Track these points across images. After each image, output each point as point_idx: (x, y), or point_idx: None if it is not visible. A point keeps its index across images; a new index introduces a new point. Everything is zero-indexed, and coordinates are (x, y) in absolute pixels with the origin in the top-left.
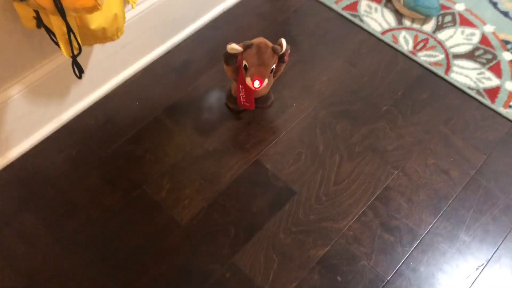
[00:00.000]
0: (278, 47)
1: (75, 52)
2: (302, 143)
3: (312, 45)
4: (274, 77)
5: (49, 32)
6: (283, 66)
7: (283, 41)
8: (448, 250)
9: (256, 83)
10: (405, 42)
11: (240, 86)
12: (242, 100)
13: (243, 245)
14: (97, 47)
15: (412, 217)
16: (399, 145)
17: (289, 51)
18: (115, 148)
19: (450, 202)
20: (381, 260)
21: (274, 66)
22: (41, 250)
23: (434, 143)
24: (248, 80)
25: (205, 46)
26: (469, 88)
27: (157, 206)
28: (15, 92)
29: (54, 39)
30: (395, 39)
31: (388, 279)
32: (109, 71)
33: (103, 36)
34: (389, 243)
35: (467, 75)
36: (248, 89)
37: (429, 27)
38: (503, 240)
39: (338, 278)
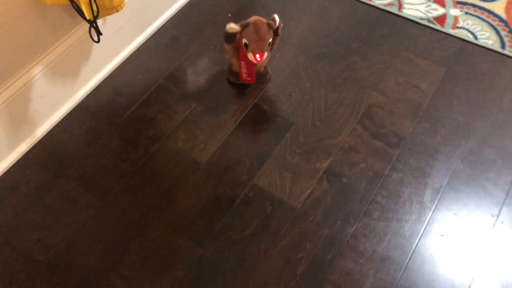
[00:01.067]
0: (272, 22)
1: (95, 15)
2: (291, 84)
3: (282, 6)
4: (270, 50)
5: (72, 1)
6: (277, 40)
7: (276, 16)
8: (430, 142)
9: (258, 57)
10: None
11: (242, 62)
12: (244, 75)
13: (258, 170)
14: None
15: (394, 124)
16: (372, 72)
17: (281, 25)
18: (129, 114)
19: (424, 107)
20: (377, 161)
21: (271, 40)
22: (83, 206)
23: (401, 65)
24: (250, 55)
25: (187, 21)
26: (421, 19)
27: (177, 153)
28: (37, 71)
29: (75, 6)
30: None
31: (385, 173)
32: (111, 51)
33: (110, 6)
34: (380, 147)
35: (417, 9)
36: (250, 64)
37: None
38: (469, 127)
39: (344, 180)
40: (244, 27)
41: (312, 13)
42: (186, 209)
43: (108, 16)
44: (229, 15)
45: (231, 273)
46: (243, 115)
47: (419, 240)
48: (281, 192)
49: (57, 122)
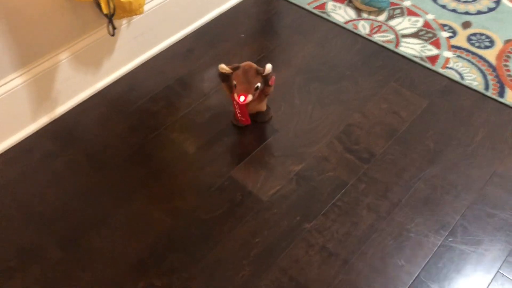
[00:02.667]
0: (261, 68)
1: (111, 11)
2: (282, 99)
3: (290, 34)
4: (265, 96)
5: None
6: (270, 89)
7: (269, 65)
8: (398, 163)
9: (241, 98)
10: (363, 28)
11: (234, 103)
12: (238, 115)
13: (237, 165)
14: (123, 31)
15: (369, 142)
16: (358, 97)
17: (274, 77)
18: (137, 106)
19: (400, 132)
20: (345, 171)
21: (259, 84)
22: (82, 175)
23: (387, 94)
24: (235, 96)
25: (205, 38)
26: (414, 56)
27: (171, 143)
28: (64, 57)
29: (96, 1)
30: (355, 27)
31: (350, 182)
32: (131, 53)
33: (129, 9)
34: (351, 160)
35: (413, 48)
36: (240, 106)
37: (382, 17)
38: (439, 154)
39: (311, 183)
40: (234, 69)
41: (315, 42)
42: (168, 188)
43: (132, 20)
44: (242, 35)
45: (193, 247)
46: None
47: (367, 244)
48: (253, 185)
49: (76, 104)
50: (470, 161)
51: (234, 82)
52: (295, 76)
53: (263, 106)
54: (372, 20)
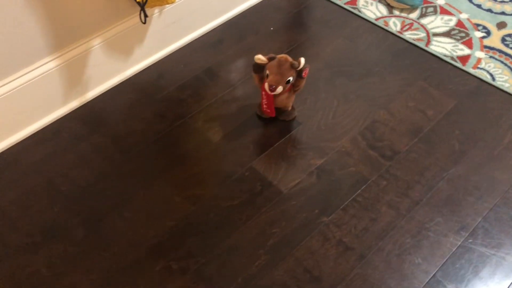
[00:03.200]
0: (295, 62)
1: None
2: (308, 92)
3: (319, 28)
4: (295, 91)
5: None
6: (302, 82)
7: (302, 59)
8: (422, 161)
9: (271, 88)
10: (394, 25)
11: (263, 93)
12: (264, 106)
13: (259, 156)
14: (155, 20)
15: (393, 140)
16: (385, 94)
17: (307, 69)
18: (164, 94)
19: (425, 131)
20: (367, 168)
21: (291, 78)
22: (107, 158)
23: (414, 92)
24: (266, 85)
25: (235, 30)
26: (445, 55)
27: (195, 131)
28: (96, 43)
29: None
30: (386, 24)
31: (372, 179)
32: (162, 41)
33: None
34: (373, 156)
35: (443, 47)
36: (268, 96)
37: (414, 15)
38: (464, 155)
39: (332, 178)
40: (270, 59)
41: (345, 37)
42: (190, 175)
43: (164, 9)
44: (271, 28)
45: (211, 233)
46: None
47: (385, 240)
48: (273, 177)
49: (105, 90)
50: (496, 163)
51: (267, 72)
52: (322, 70)
53: (289, 104)
54: (403, 17)
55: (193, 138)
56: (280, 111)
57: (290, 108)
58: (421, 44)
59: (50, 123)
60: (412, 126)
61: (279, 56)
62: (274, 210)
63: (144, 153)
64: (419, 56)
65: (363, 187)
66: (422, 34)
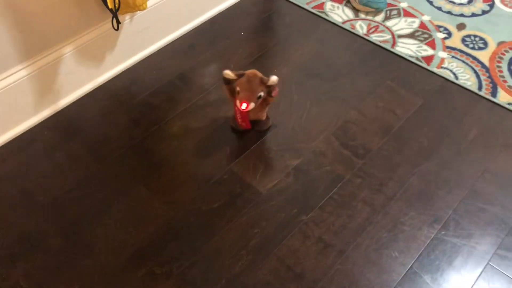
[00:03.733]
0: (265, 78)
1: (116, 6)
2: (281, 95)
3: (289, 32)
4: (267, 105)
5: None
6: (272, 99)
7: (274, 77)
8: (393, 158)
9: (244, 105)
10: (360, 28)
11: (236, 108)
12: (239, 120)
13: (236, 158)
14: (126, 26)
15: (365, 139)
16: (356, 94)
17: (277, 88)
18: (138, 100)
19: (395, 129)
20: (341, 166)
21: (262, 93)
22: (84, 164)
23: (383, 92)
24: (237, 103)
25: (206, 35)
26: (410, 56)
27: (171, 136)
28: (68, 50)
29: None
30: (353, 27)
31: (347, 177)
32: (134, 47)
33: (133, 4)
34: (347, 155)
35: (409, 48)
36: (242, 111)
37: (379, 18)
38: (433, 151)
39: (308, 177)
40: (239, 76)
41: (315, 40)
42: (168, 180)
43: (135, 15)
44: (242, 33)
45: (193, 236)
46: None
47: (362, 236)
48: (252, 178)
49: (78, 98)
50: (463, 158)
51: (238, 89)
52: (294, 73)
53: (263, 115)
54: (369, 20)
55: (169, 143)
56: (254, 122)
57: (264, 118)
58: (387, 46)
59: (23, 132)
60: (383, 125)
61: (248, 72)
62: (254, 211)
63: (120, 160)
64: (386, 58)
65: (338, 185)
66: (388, 36)
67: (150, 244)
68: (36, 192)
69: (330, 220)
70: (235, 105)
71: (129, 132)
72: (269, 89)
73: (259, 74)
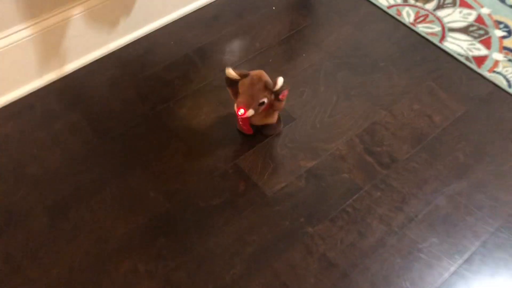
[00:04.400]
0: (270, 82)
1: None
2: (306, 84)
3: (325, 12)
4: (274, 110)
5: None
6: (281, 104)
7: (279, 79)
8: (422, 173)
9: (240, 111)
10: (407, 15)
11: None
12: (240, 122)
13: (245, 152)
14: None
15: (392, 146)
16: (390, 93)
17: (286, 91)
18: (150, 73)
19: (429, 138)
20: (361, 175)
21: (265, 100)
22: (82, 139)
23: (421, 93)
24: (235, 106)
25: (233, 7)
26: (459, 54)
27: (179, 118)
28: (76, 12)
29: None
30: (399, 13)
31: (365, 188)
32: (153, 14)
33: None
34: (369, 163)
35: (459, 45)
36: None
37: (431, 5)
38: (468, 169)
39: (322, 183)
40: (242, 76)
41: (353, 25)
42: (168, 168)
43: None
44: (273, 8)
45: (185, 234)
46: None
47: (372, 259)
48: (259, 177)
49: (85, 64)
50: (502, 181)
51: (239, 90)
52: (324, 60)
53: (272, 119)
54: (418, 7)
55: (176, 125)
56: (261, 126)
57: (275, 121)
58: (435, 40)
59: (23, 96)
60: (415, 132)
61: (253, 73)
62: (256, 215)
63: (121, 138)
64: (431, 53)
65: (354, 197)
66: (437, 28)
67: (138, 237)
68: (29, 163)
69: (338, 236)
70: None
71: (135, 108)
72: (277, 92)
73: (265, 77)
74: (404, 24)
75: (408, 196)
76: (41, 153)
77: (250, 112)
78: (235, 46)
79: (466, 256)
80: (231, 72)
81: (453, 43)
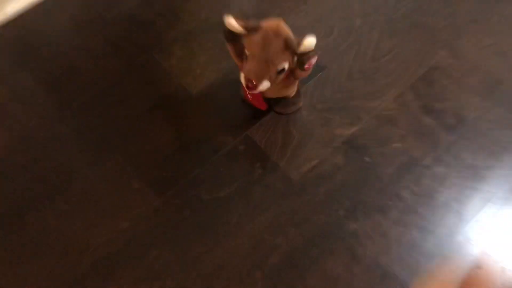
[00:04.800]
0: (293, 39)
1: None
2: (336, 14)
3: None
4: (295, 79)
5: None
6: (305, 73)
7: (308, 40)
8: (499, 136)
9: (249, 85)
10: None
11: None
12: (248, 95)
13: (259, 120)
14: None
15: (458, 99)
16: (450, 22)
17: (314, 58)
18: (123, 10)
19: (504, 86)
20: (418, 144)
21: (286, 65)
22: (37, 112)
23: (493, 23)
24: (241, 77)
25: None
26: None
27: (166, 73)
28: None
29: None
30: None
31: (425, 163)
32: None
33: None
34: (429, 126)
35: None
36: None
37: None
38: None
39: (366, 158)
40: (250, 30)
41: None
42: (155, 146)
43: None
44: None
45: (184, 240)
46: None
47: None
48: (280, 155)
49: (35, 3)
50: None
51: (247, 52)
52: None
53: (291, 90)
54: None
55: (162, 85)
56: (276, 99)
57: (292, 94)
58: None
59: None
60: (488, 78)
61: (266, 25)
62: (280, 209)
63: (88, 107)
64: None
65: (412, 176)
66: None
67: (121, 249)
68: None
69: (393, 233)
70: (241, 71)
71: (106, 62)
72: (301, 57)
73: (285, 31)
74: None
75: (483, 171)
76: None
77: (265, 84)
78: None
79: None
80: (232, 23)
81: None
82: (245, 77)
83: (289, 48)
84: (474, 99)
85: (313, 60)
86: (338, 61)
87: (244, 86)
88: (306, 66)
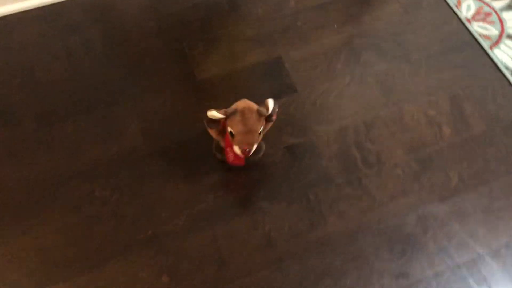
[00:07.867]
0: (263, 109)
1: None
2: (324, 57)
3: None
4: (265, 129)
5: None
6: (270, 124)
7: (270, 102)
8: (404, 182)
9: (247, 150)
10: (467, 9)
11: (228, 149)
12: (230, 159)
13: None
14: None
15: (386, 147)
16: (409, 90)
17: (277, 110)
18: (175, 10)
19: (428, 150)
20: (339, 166)
21: (262, 127)
22: (94, 57)
23: (443, 100)
24: (236, 148)
25: None
26: (506, 67)
27: (184, 57)
28: None
29: None
30: (459, 4)
31: (336, 181)
32: None
33: None
34: (353, 157)
35: (511, 56)
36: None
37: (499, 4)
38: (459, 194)
39: (297, 164)
40: (229, 114)
41: (402, 5)
42: (156, 106)
43: None
44: None
45: (148, 175)
46: (261, 60)
47: (313, 254)
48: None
49: None
50: (487, 220)
51: (231, 130)
52: (355, 36)
53: (260, 139)
54: (484, 3)
55: (178, 65)
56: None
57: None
58: (486, 44)
59: (53, 2)
60: (417, 139)
61: (239, 107)
62: (220, 177)
63: (128, 65)
64: (475, 57)
65: (322, 186)
66: (494, 32)
67: (107, 163)
68: (38, 67)
69: (289, 220)
70: (227, 145)
71: (151, 39)
72: (270, 115)
73: (254, 106)
74: (458, 18)
75: (376, 204)
76: (52, 61)
77: (254, 147)
78: (270, 0)
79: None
80: (215, 114)
81: (504, 53)
82: (239, 147)
83: (261, 115)
84: (398, 150)
85: (276, 112)
86: (309, 90)
87: (240, 153)
88: (274, 117)
